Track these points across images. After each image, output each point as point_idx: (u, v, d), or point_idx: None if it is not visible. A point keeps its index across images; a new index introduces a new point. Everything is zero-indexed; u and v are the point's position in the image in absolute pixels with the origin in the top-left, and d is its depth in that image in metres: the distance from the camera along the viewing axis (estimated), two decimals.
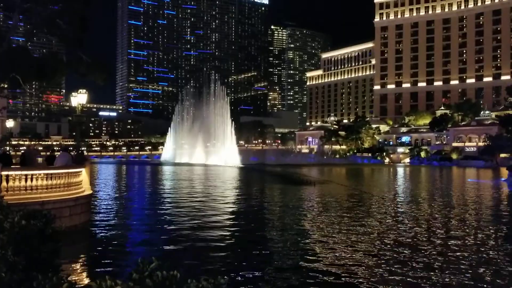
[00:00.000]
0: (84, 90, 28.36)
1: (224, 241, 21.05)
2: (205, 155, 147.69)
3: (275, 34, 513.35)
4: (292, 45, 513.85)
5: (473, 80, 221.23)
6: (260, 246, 20.47)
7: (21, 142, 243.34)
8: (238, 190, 49.75)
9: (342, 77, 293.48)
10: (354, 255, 18.58)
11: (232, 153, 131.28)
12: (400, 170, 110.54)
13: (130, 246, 20.46)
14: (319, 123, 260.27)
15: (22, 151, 36.92)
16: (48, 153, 27.98)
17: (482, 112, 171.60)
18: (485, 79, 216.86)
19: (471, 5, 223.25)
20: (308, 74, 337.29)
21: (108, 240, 21.13)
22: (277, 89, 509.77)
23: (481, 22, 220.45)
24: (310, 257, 18.05)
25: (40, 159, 33.73)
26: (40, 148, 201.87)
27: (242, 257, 18.48)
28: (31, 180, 20.76)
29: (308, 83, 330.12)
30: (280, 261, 17.82)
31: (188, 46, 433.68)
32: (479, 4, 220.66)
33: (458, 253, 19.27)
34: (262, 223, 27.03)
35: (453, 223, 27.72)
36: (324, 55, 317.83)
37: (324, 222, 27.07)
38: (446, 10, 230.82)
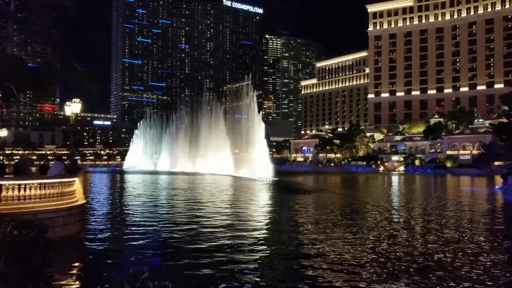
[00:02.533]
0: (78, 99, 28.34)
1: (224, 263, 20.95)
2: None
3: (270, 43, 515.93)
4: (286, 54, 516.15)
5: (466, 89, 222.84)
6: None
7: (15, 152, 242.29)
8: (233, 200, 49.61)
9: (337, 86, 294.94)
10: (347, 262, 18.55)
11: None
12: (395, 179, 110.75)
13: (123, 256, 20.32)
14: (313, 131, 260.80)
15: (16, 161, 36.76)
16: (42, 163, 27.81)
17: (476, 120, 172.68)
18: (479, 88, 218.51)
19: (463, 14, 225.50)
20: (303, 83, 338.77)
21: (101, 250, 20.98)
22: (272, 98, 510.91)
23: (474, 31, 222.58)
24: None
25: (33, 169, 33.60)
26: (34, 157, 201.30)
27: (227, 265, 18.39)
28: (24, 190, 20.64)
29: (302, 92, 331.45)
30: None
31: (183, 55, 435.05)
32: (472, 13, 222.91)
33: (453, 262, 19.28)
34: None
35: (448, 232, 27.74)
36: (319, 64, 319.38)
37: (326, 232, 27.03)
38: (439, 19, 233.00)
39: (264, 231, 27.09)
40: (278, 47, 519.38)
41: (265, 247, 22.01)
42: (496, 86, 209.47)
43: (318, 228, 27.78)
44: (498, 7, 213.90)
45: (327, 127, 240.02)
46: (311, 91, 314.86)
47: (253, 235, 25.29)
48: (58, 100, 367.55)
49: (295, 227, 28.84)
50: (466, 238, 25.33)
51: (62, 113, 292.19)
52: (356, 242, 23.14)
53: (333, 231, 26.74)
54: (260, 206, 42.55)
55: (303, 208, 40.09)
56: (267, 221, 31.96)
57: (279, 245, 22.43)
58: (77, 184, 25.22)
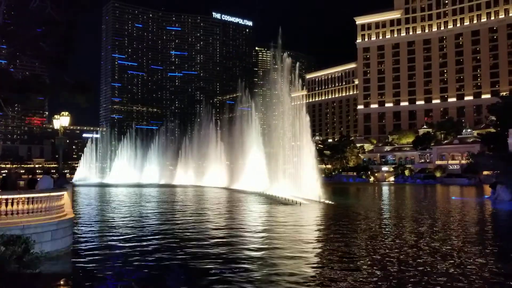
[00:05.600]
0: (67, 113, 28.18)
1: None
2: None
3: (260, 55, 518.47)
4: (276, 66, 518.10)
5: (454, 99, 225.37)
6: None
7: (3, 166, 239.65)
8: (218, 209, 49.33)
9: (326, 97, 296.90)
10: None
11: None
12: (385, 189, 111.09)
13: (112, 271, 20.06)
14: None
15: (3, 175, 36.33)
16: (30, 177, 27.52)
17: (464, 130, 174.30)
18: (466, 98, 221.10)
19: (450, 26, 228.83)
20: (293, 95, 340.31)
21: (90, 265, 20.69)
22: (262, 109, 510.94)
23: (460, 43, 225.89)
24: None
25: (21, 183, 33.24)
26: (22, 171, 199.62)
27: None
28: (12, 204, 20.35)
29: (292, 103, 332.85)
30: None
31: (173, 67, 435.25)
32: (458, 25, 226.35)
33: (443, 272, 19.30)
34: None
35: (439, 242, 27.81)
36: (308, 76, 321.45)
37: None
38: (426, 31, 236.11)
39: None
40: (268, 59, 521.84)
41: None
42: (483, 96, 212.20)
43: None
44: (484, 19, 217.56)
45: (317, 138, 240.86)
46: (301, 102, 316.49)
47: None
48: (46, 113, 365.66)
49: None
50: (457, 250, 25.39)
51: (50, 126, 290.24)
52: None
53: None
54: None
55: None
56: None
57: None
58: (65, 198, 24.94)
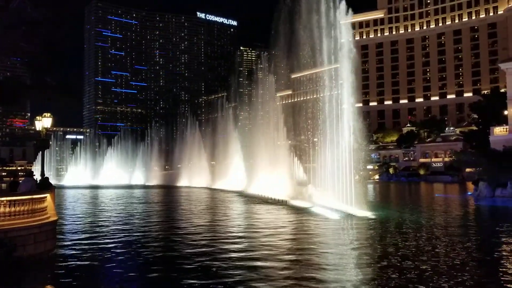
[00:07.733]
0: (49, 114, 27.78)
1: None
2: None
3: (244, 55, 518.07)
4: (261, 66, 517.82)
5: (437, 98, 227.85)
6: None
7: None
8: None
9: (312, 97, 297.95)
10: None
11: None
12: (370, 187, 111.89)
13: (96, 274, 19.86)
14: (290, 142, 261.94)
15: None
16: (11, 179, 27.11)
17: (446, 129, 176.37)
18: (449, 97, 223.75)
19: (432, 25, 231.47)
20: (278, 94, 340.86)
21: (74, 268, 20.45)
22: (248, 109, 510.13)
23: (442, 42, 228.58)
24: None
25: (3, 185, 32.74)
26: (4, 173, 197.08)
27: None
28: None
29: (278, 103, 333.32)
30: None
31: (157, 67, 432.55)
32: (440, 24, 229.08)
33: (428, 267, 19.49)
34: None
35: (424, 238, 28.10)
36: (294, 75, 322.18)
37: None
38: (409, 30, 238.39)
39: None
40: (253, 58, 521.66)
41: None
42: (466, 95, 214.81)
43: None
44: (465, 19, 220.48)
45: (303, 137, 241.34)
46: (287, 102, 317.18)
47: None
48: (29, 114, 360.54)
49: None
50: (441, 247, 25.65)
51: (33, 127, 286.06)
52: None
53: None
54: None
55: None
56: None
57: None
58: (48, 200, 24.61)
